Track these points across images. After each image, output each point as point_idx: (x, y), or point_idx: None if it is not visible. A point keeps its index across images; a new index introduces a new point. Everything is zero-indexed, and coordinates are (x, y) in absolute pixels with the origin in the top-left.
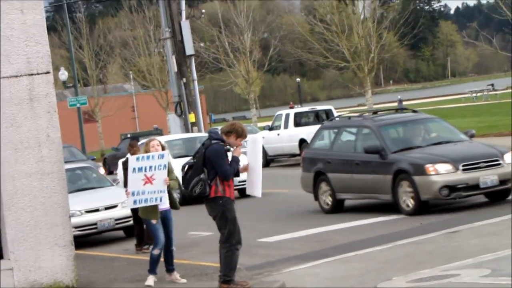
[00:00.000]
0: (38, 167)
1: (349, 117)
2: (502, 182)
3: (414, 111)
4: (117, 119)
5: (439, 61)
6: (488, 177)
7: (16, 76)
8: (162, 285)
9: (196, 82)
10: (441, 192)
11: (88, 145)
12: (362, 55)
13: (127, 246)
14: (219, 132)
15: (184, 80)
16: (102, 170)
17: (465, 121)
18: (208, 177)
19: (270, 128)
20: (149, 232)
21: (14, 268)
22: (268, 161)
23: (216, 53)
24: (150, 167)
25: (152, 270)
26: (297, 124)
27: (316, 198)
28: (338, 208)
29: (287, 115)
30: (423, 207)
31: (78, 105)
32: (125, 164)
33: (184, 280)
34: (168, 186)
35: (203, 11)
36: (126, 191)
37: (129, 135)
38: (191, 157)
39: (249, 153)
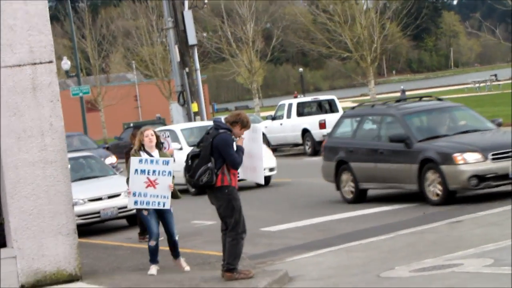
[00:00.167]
0: (41, 156)
1: (373, 105)
2: None
3: (439, 99)
4: (120, 109)
5: (442, 51)
6: None
7: (19, 65)
8: (165, 274)
9: (198, 72)
10: (470, 182)
11: (90, 134)
12: (365, 45)
13: (130, 235)
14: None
15: (187, 69)
16: (114, 159)
17: None
18: (215, 166)
19: (273, 118)
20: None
21: (17, 256)
22: (271, 150)
23: (218, 43)
24: (154, 171)
25: (152, 260)
26: (299, 114)
27: (338, 187)
28: (360, 198)
29: (290, 105)
30: (451, 197)
31: (81, 94)
32: (128, 154)
33: (187, 268)
34: (173, 194)
35: (206, 1)
36: (127, 189)
37: (131, 125)
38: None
39: (248, 140)
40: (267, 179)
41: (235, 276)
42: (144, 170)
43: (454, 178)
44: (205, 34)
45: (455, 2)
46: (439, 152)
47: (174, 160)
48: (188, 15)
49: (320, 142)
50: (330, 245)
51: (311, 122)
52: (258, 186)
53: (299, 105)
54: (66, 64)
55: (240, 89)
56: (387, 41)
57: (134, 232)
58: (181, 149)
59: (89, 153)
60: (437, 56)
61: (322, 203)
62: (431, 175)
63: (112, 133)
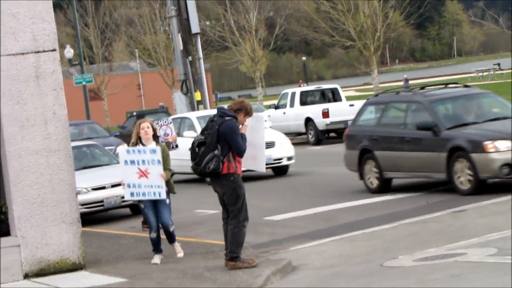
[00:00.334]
0: (45, 145)
1: (397, 92)
2: None
3: (466, 86)
4: (123, 97)
5: (445, 40)
6: None
7: (23, 54)
8: (169, 263)
9: (201, 61)
10: (501, 170)
11: None
12: (368, 34)
13: (134, 224)
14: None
15: (190, 58)
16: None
17: None
18: (222, 153)
19: (276, 107)
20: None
21: (21, 245)
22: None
23: (221, 32)
24: (143, 161)
25: (156, 250)
26: (303, 102)
27: (361, 177)
28: (385, 187)
29: (293, 94)
30: (482, 186)
31: (84, 82)
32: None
33: (181, 254)
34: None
35: None
36: (122, 182)
37: (134, 113)
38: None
39: (250, 129)
40: (285, 168)
41: (238, 265)
42: (133, 161)
43: (485, 166)
44: (208, 23)
45: None
46: (469, 140)
47: (177, 146)
48: (191, 3)
49: (323, 131)
50: (334, 234)
51: (314, 111)
52: (274, 175)
53: (302, 94)
54: (69, 52)
55: (243, 78)
56: (390, 30)
57: (138, 221)
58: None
59: (93, 142)
60: (440, 45)
61: (326, 192)
62: (460, 164)
63: (115, 122)
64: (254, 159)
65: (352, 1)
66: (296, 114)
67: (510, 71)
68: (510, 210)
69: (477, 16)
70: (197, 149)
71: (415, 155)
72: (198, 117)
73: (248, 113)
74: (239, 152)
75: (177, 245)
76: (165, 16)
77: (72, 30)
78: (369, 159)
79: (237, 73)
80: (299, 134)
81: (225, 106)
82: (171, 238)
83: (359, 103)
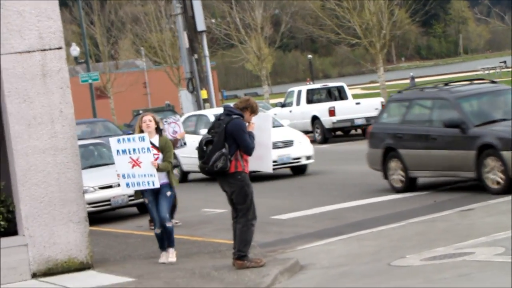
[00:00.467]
0: (52, 143)
1: (422, 89)
2: None
3: (493, 82)
4: (129, 95)
5: (451, 38)
6: None
7: (29, 52)
8: (177, 262)
9: (207, 58)
10: None
11: None
12: (373, 31)
13: (141, 223)
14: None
15: (196, 56)
16: None
17: None
18: (229, 152)
19: (282, 105)
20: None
21: (28, 244)
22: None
23: (227, 29)
24: (134, 149)
25: (162, 246)
26: (309, 101)
27: (386, 176)
28: (411, 187)
29: (299, 92)
30: None
31: (90, 81)
32: None
33: (172, 259)
34: (158, 169)
35: None
36: (116, 173)
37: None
38: None
39: (257, 129)
40: (303, 167)
41: (246, 264)
42: (125, 150)
43: None
44: (213, 21)
45: None
46: (499, 137)
47: (185, 144)
48: (196, 1)
49: (330, 130)
50: (341, 234)
51: (320, 109)
52: (292, 174)
53: (309, 92)
54: (75, 50)
55: (249, 76)
56: (396, 27)
57: (145, 220)
58: None
59: (99, 141)
60: (446, 42)
61: (334, 191)
62: (490, 162)
63: (122, 120)
64: (260, 160)
65: None
66: (302, 113)
67: None
68: None
69: (482, 14)
70: (204, 147)
71: (442, 153)
72: (215, 115)
73: (254, 111)
74: (248, 150)
75: (173, 251)
76: (171, 14)
77: (78, 28)
78: (394, 157)
79: (243, 71)
80: (306, 132)
81: (231, 104)
82: (168, 239)
83: (365, 101)
